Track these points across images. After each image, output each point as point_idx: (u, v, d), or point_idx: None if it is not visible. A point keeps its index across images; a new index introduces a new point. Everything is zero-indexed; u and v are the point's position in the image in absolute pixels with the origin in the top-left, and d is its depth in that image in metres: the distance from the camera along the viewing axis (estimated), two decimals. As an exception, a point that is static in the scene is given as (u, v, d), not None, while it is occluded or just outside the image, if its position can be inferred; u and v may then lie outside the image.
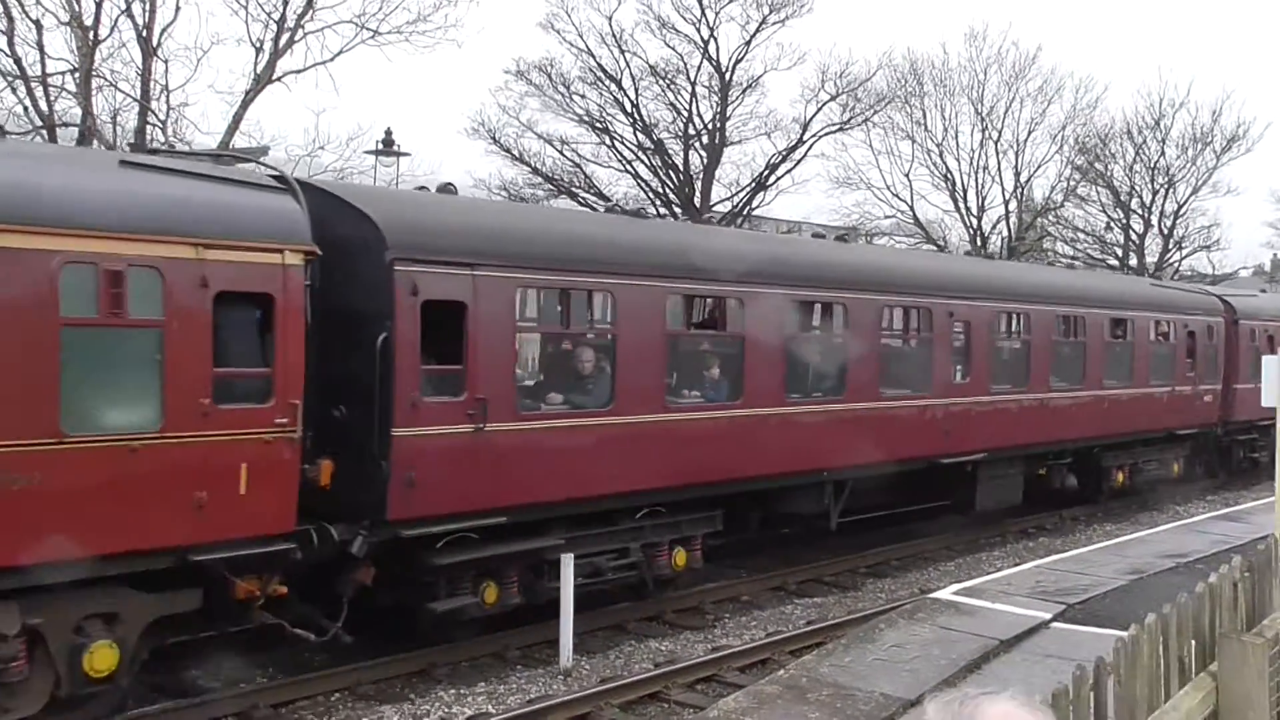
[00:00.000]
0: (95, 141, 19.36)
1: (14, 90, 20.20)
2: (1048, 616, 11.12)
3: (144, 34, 20.72)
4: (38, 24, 19.95)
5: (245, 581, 9.62)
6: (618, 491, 12.53)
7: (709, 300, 14.38)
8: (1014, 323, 19.13)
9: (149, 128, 20.85)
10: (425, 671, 11.60)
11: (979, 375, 17.84)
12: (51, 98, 20.32)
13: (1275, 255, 66.49)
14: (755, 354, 13.86)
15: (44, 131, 19.92)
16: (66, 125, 20.31)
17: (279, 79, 21.81)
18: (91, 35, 20.14)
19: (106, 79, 20.98)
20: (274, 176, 10.64)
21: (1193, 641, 5.16)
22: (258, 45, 21.77)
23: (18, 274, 8.31)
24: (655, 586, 13.59)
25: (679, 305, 13.81)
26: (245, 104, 21.35)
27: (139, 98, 20.87)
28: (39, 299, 8.39)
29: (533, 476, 11.58)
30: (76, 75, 20.15)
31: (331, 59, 22.41)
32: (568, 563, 11.90)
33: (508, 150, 33.75)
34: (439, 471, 10.76)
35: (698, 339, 14.41)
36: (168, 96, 21.30)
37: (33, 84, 20.03)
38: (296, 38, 21.98)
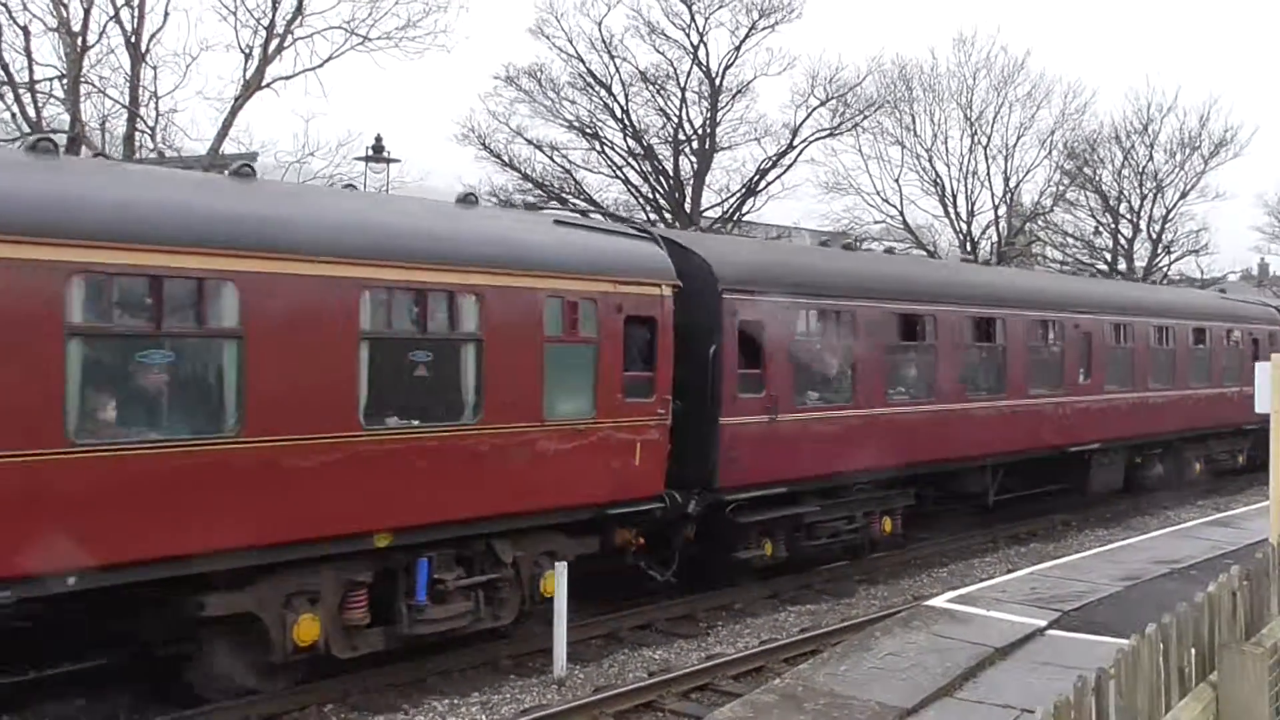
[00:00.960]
0: (84, 148, 19.27)
1: (1, 97, 20.13)
2: (1043, 624, 11.10)
3: (132, 40, 20.67)
4: (25, 30, 19.91)
5: (621, 532, 13.11)
6: (851, 470, 15.82)
7: (913, 317, 17.37)
8: (1122, 333, 22.48)
9: (138, 134, 20.77)
10: (418, 681, 11.53)
11: (1097, 377, 21.36)
12: (40, 104, 20.24)
13: (1263, 259, 66.81)
14: (943, 360, 17.54)
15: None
16: (55, 132, 20.20)
17: (268, 85, 21.76)
18: (79, 41, 20.08)
19: (95, 85, 20.94)
20: (641, 231, 14.67)
21: (1192, 651, 5.14)
22: (247, 51, 21.74)
23: (523, 306, 11.79)
24: (869, 548, 17.09)
25: (894, 321, 16.91)
26: (234, 110, 21.29)
27: (128, 104, 20.80)
28: (532, 323, 11.85)
29: (802, 456, 14.99)
30: (65, 81, 20.07)
31: (321, 65, 22.39)
32: (562, 571, 11.87)
33: (498, 156, 33.74)
34: (747, 451, 14.19)
35: (906, 348, 17.38)
36: (157, 103, 21.24)
37: (20, 90, 19.95)
38: (286, 43, 21.94)
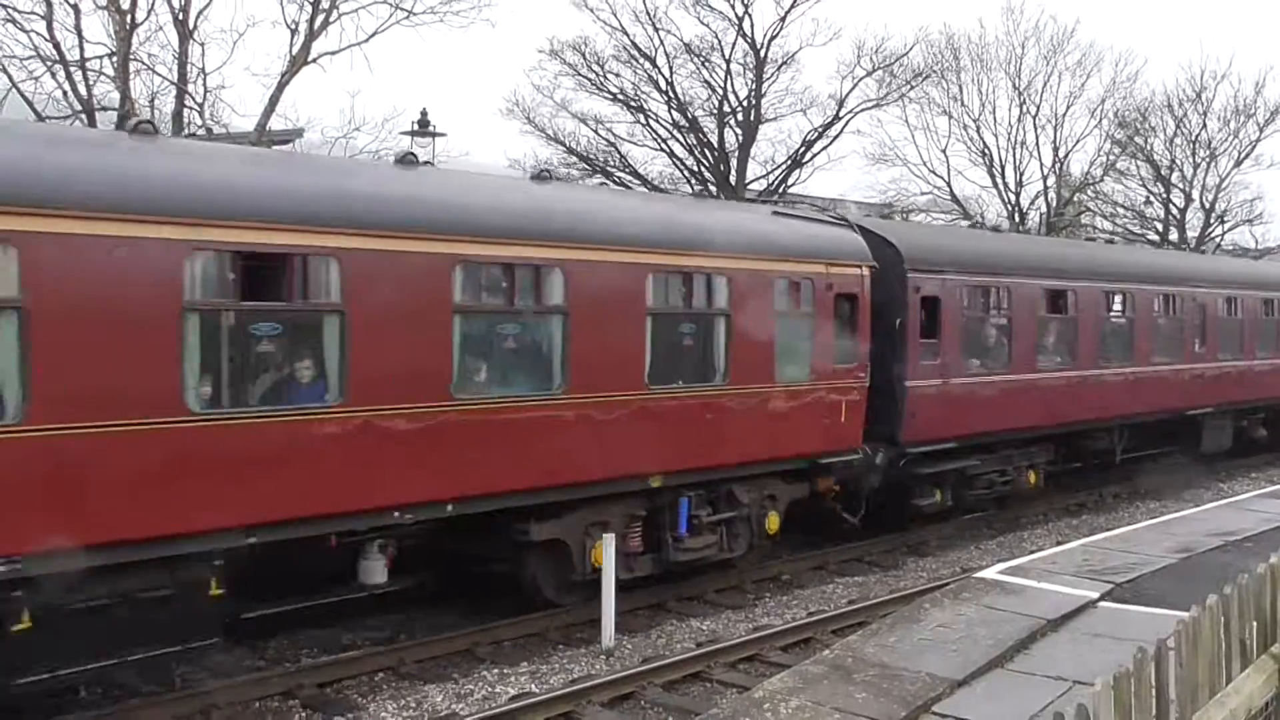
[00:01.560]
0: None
1: (53, 75, 20.33)
2: (1095, 596, 10.98)
3: (180, 17, 20.80)
4: (75, 8, 20.07)
5: (823, 480, 15.07)
6: (1004, 428, 17.86)
7: (1057, 292, 19.11)
8: (1232, 305, 24.12)
9: (186, 110, 20.93)
10: (468, 651, 11.66)
11: (1210, 347, 23.10)
12: (90, 82, 20.43)
13: (1319, 228, 65.45)
14: (1082, 331, 19.40)
15: (83, 115, 20.03)
16: (105, 109, 20.40)
17: (314, 61, 21.82)
18: (129, 19, 20.23)
19: (144, 63, 21.10)
20: (841, 220, 16.36)
21: (1254, 623, 5.07)
22: (293, 27, 21.79)
23: (761, 286, 13.83)
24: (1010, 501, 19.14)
25: (1042, 295, 18.74)
26: (281, 86, 21.37)
27: (176, 81, 20.95)
28: (768, 300, 13.93)
29: (967, 416, 16.96)
30: (114, 59, 20.24)
31: (366, 40, 22.41)
32: (609, 543, 11.92)
33: (542, 130, 33.69)
34: (924, 411, 16.15)
35: (1051, 319, 19.15)
36: (204, 79, 21.39)
37: (71, 68, 20.13)
38: (331, 19, 21.98)
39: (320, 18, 21.79)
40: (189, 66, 20.96)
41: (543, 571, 12.50)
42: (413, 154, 12.25)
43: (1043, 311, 18.82)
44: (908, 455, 16.07)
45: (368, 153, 23.01)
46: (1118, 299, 20.74)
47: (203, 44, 21.29)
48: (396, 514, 10.52)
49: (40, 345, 8.21)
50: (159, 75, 21.42)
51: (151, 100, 21.67)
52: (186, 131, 20.42)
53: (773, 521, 14.39)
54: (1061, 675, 8.76)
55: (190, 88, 21.04)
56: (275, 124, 21.59)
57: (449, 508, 10.88)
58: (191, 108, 21.00)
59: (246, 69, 42.52)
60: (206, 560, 9.31)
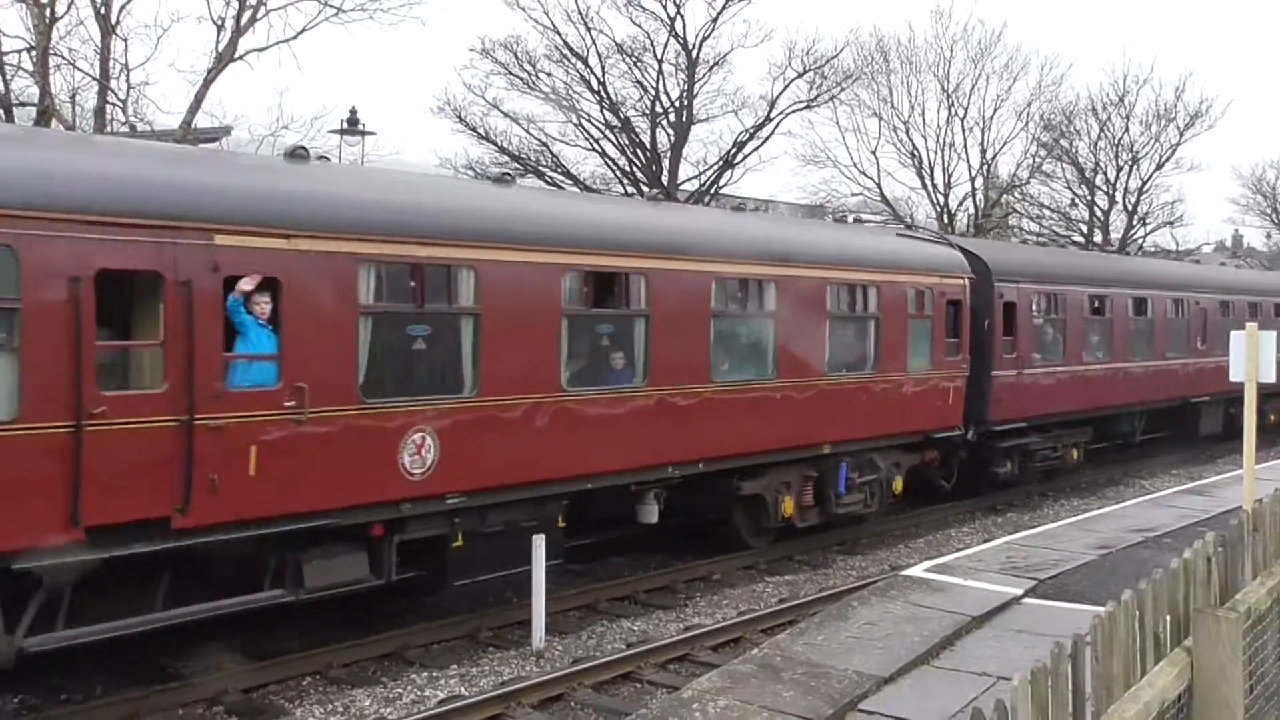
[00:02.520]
0: (54, 121, 19.04)
1: (-31, 69, 19.82)
2: (1019, 592, 11.17)
3: (102, 11, 20.37)
4: (-9, 1, 19.59)
5: (928, 452, 18.47)
6: (1058, 411, 21.44)
7: (1097, 297, 22.74)
8: (1225, 308, 27.54)
9: (109, 107, 20.51)
10: (396, 654, 11.56)
11: (1211, 343, 25.98)
12: (8, 76, 19.95)
13: (1237, 231, 67.17)
14: (1116, 329, 23.11)
15: (1, 111, 19.56)
16: (24, 105, 19.95)
17: (241, 57, 21.48)
18: (48, 12, 19.77)
19: (64, 57, 20.65)
20: (944, 239, 20.73)
21: (1168, 617, 5.16)
22: (219, 23, 21.42)
23: (899, 294, 17.27)
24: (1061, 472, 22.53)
25: (1086, 300, 22.35)
26: (207, 83, 20.99)
27: (98, 76, 20.53)
28: (903, 305, 17.36)
29: (1034, 401, 20.49)
30: (33, 53, 19.77)
31: (294, 37, 22.11)
32: (539, 544, 11.88)
33: (474, 129, 33.48)
34: (1005, 396, 19.64)
35: (1092, 320, 22.66)
36: (128, 75, 20.95)
37: (-12, 62, 19.66)
38: (259, 15, 21.64)
39: (247, 14, 21.47)
40: (111, 62, 20.54)
41: (745, 520, 15.82)
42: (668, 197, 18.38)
43: (1087, 314, 22.45)
44: (990, 432, 19.62)
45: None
46: (1142, 303, 24.33)
47: (126, 39, 20.89)
48: (670, 469, 13.75)
49: (486, 342, 11.45)
50: (80, 70, 21.00)
51: (73, 96, 21.26)
52: (110, 129, 20.02)
53: (898, 484, 17.85)
54: (986, 671, 8.89)
55: (113, 83, 20.62)
56: (201, 121, 21.23)
57: (700, 465, 14.09)
58: (114, 104, 20.58)
59: (171, 65, 41.97)
60: (558, 500, 12.54)
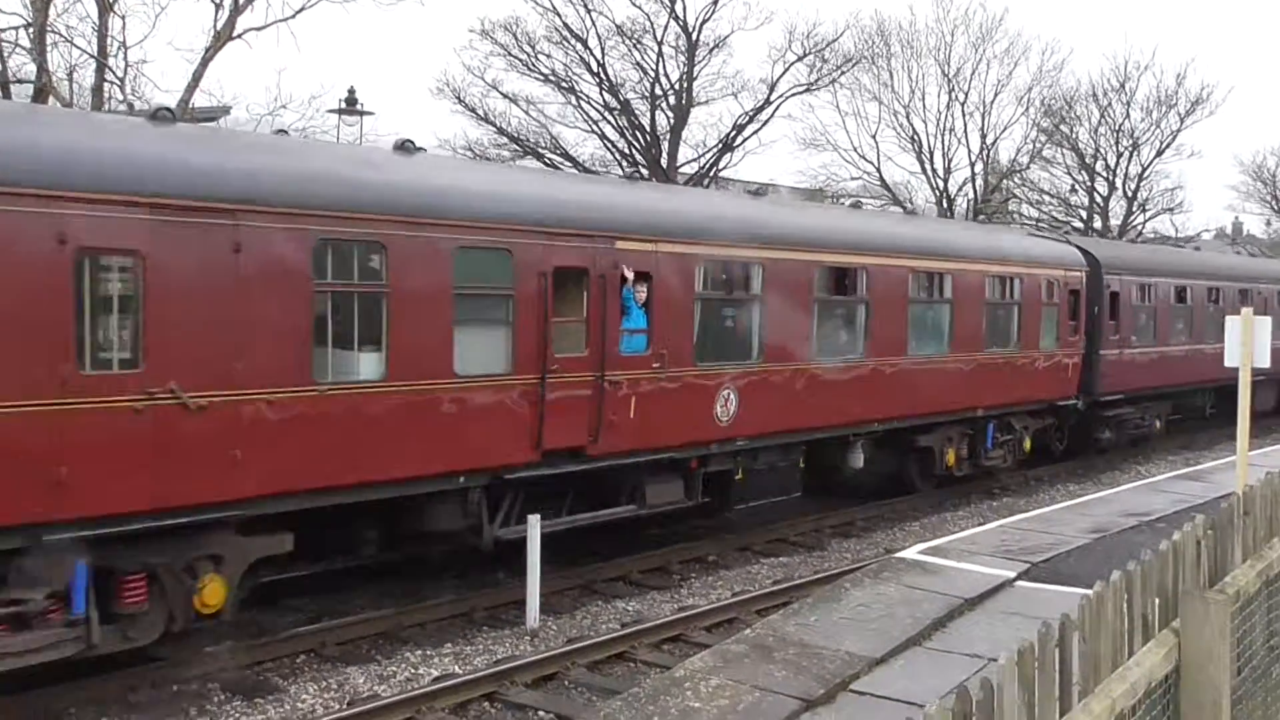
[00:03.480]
0: (51, 99, 18.98)
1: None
2: (1012, 575, 11.20)
3: (100, -12, 20.30)
4: (-12, -22, 19.51)
5: (1046, 419, 21.77)
6: (1146, 386, 24.38)
7: (1182, 288, 25.98)
8: (1267, 296, 30.05)
9: (106, 85, 20.45)
10: (391, 633, 11.59)
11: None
12: (5, 54, 19.89)
13: (1237, 219, 67.08)
14: (1196, 315, 26.21)
15: (-1, 88, 19.51)
16: (21, 82, 19.89)
17: (239, 36, 21.39)
18: (46, -11, 19.71)
19: (62, 35, 20.59)
20: (1065, 239, 24.97)
21: (1156, 599, 5.17)
22: (217, 1, 21.35)
23: (1035, 284, 20.49)
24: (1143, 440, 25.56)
25: (1172, 290, 25.56)
26: (205, 61, 20.92)
27: (96, 54, 20.46)
28: (1038, 294, 20.64)
29: (1131, 377, 23.66)
30: (30, 30, 19.70)
31: (293, 16, 22.01)
32: (534, 524, 11.91)
33: (473, 110, 33.43)
34: (1109, 372, 22.76)
35: (1178, 307, 25.82)
36: (125, 53, 20.87)
37: (-15, 40, 19.59)
38: (257, -7, 21.57)
39: (246, -8, 21.36)
40: (109, 39, 20.47)
41: (917, 467, 19.21)
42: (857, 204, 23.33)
43: (1172, 302, 25.57)
44: (1095, 402, 22.72)
45: (294, 131, 22.64)
46: (1210, 292, 27.11)
47: (123, 16, 20.82)
48: (875, 425, 17.04)
49: (766, 322, 14.95)
50: (77, 48, 20.95)
51: (70, 74, 21.22)
52: (107, 107, 19.97)
53: (1028, 444, 21.07)
54: (977, 653, 8.92)
55: (110, 61, 20.55)
56: (199, 100, 21.19)
57: (894, 422, 17.43)
58: (112, 82, 20.50)
59: (169, 43, 41.76)
60: (799, 446, 16.01)
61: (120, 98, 20.20)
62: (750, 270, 14.99)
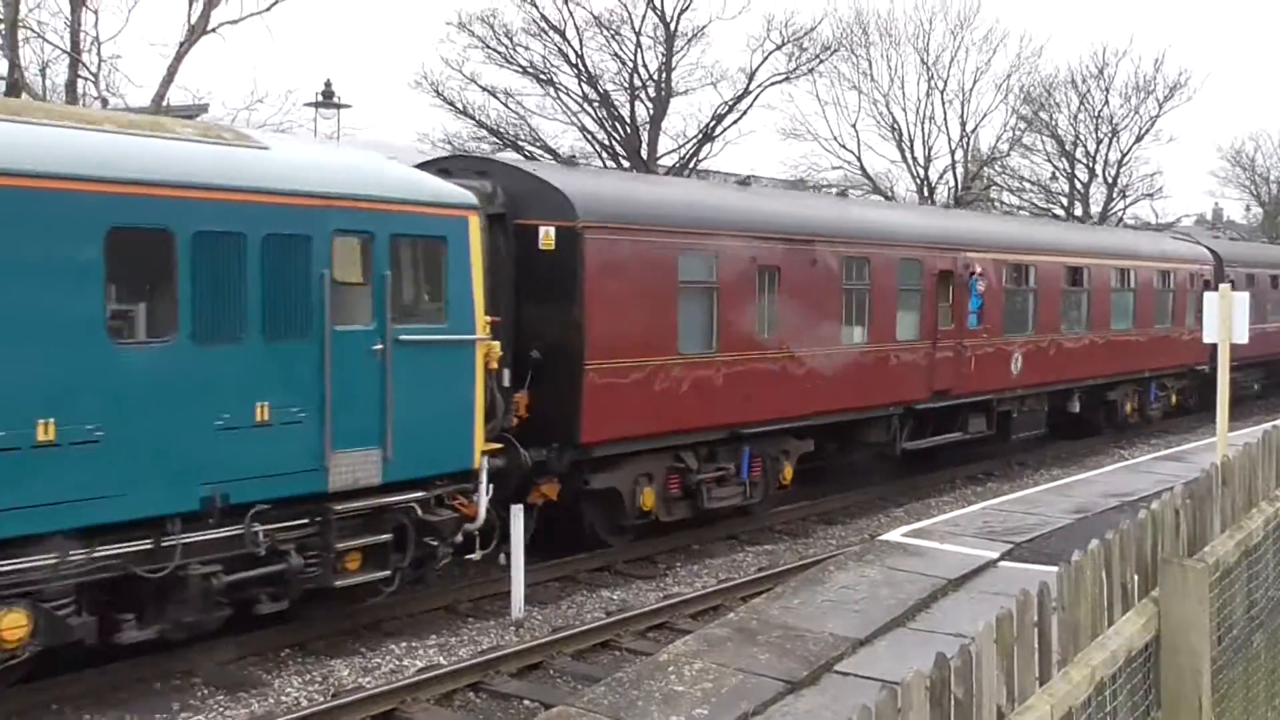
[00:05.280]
0: (24, 94, 18.81)
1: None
2: (995, 556, 11.22)
3: (72, -18, 20.13)
4: (-41, -26, 19.32)
5: (1179, 381, 27.61)
6: (1251, 356, 27.15)
7: (1276, 277, 31.85)
8: None
9: (80, 81, 20.30)
10: (375, 625, 11.53)
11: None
12: (-23, 50, 19.72)
13: (1217, 204, 67.38)
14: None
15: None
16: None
17: (214, 30, 21.24)
18: (17, -15, 19.53)
19: (34, 30, 20.41)
20: (1192, 239, 30.90)
21: (1135, 577, 5.17)
22: (191, -5, 21.18)
23: (1181, 278, 27.16)
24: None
25: (1268, 278, 30.94)
26: (179, 56, 20.74)
27: (69, 49, 20.30)
28: (1184, 284, 26.93)
29: (1235, 349, 26.42)
30: (2, 26, 19.53)
31: (268, 9, 21.86)
32: (517, 513, 11.86)
33: (451, 103, 33.32)
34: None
35: (1272, 292, 31.25)
36: (99, 48, 20.68)
37: (-44, 37, 19.41)
38: (231, -13, 21.43)
39: (220, -14, 21.20)
40: (82, 34, 20.31)
41: (1105, 416, 24.54)
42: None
43: (1267, 287, 30.57)
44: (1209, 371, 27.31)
45: (269, 126, 22.51)
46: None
47: (96, 11, 20.61)
48: (1089, 381, 23.31)
49: (1040, 303, 21.50)
50: (50, 43, 20.76)
51: (43, 70, 21.07)
52: (82, 103, 19.82)
53: (1175, 400, 27.25)
54: (961, 632, 8.90)
55: (84, 57, 20.39)
56: (174, 95, 21.05)
57: (1098, 380, 23.50)
58: (86, 78, 20.36)
59: (143, 38, 41.47)
60: (1045, 396, 22.14)
61: (94, 94, 20.06)
62: (1028, 269, 21.51)
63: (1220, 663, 5.60)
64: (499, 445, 12.01)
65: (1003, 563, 11.12)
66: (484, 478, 11.44)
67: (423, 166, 12.91)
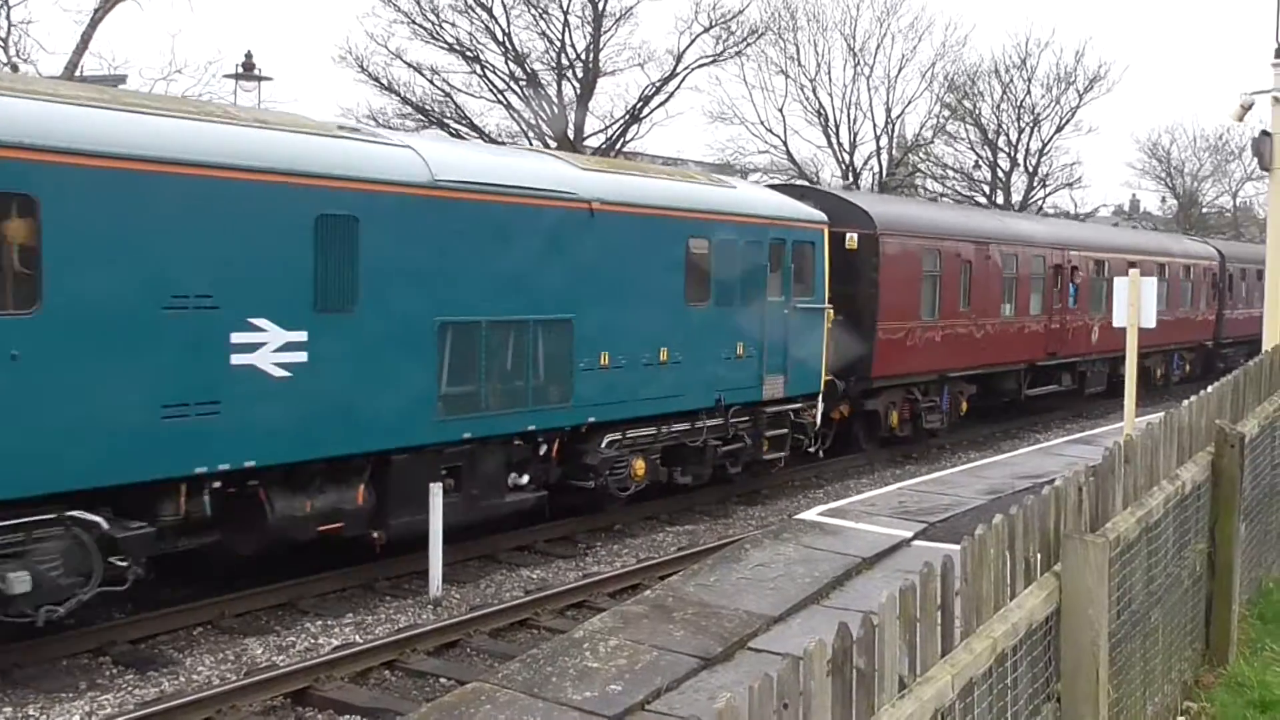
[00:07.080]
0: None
1: None
2: (909, 535, 11.38)
3: (-18, -54, 19.54)
4: None
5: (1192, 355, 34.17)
6: (1239, 336, 34.51)
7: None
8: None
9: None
10: (291, 604, 11.41)
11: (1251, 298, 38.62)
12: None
13: (1134, 195, 68.79)
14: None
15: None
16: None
17: (131, -3, 20.79)
18: (-77, -54, 18.93)
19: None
20: (1203, 240, 37.36)
21: (1039, 553, 5.28)
22: (107, -40, 20.66)
23: (1177, 269, 32.32)
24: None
25: None
26: (94, 23, 20.22)
27: (-23, 14, 19.72)
28: (1179, 274, 32.08)
29: (1235, 329, 34.94)
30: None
31: (188, -23, 21.43)
32: (436, 492, 11.79)
33: (376, 79, 32.92)
34: (1227, 325, 34.68)
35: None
36: (8, 12, 20.11)
37: None
38: (149, -45, 20.93)
39: (137, -47, 20.74)
40: (-9, -1, 19.72)
41: (1141, 378, 25.19)
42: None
43: (1257, 280, 32.04)
44: (1219, 344, 33.80)
45: (189, 96, 22.04)
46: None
47: (6, -27, 20.04)
48: (1170, 347, 30.59)
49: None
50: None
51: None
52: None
53: (1188, 369, 32.53)
54: (874, 610, 9.02)
55: (-6, 22, 19.80)
56: (89, 63, 20.54)
57: (1143, 349, 21.52)
58: (-6, 44, 19.78)
59: (56, 3, 40.24)
60: (1107, 361, 27.14)
61: (4, 59, 19.50)
62: (1104, 263, 27.03)
63: (1119, 636, 5.74)
64: (828, 377, 17.92)
65: (916, 541, 11.29)
66: (820, 398, 17.57)
67: None
